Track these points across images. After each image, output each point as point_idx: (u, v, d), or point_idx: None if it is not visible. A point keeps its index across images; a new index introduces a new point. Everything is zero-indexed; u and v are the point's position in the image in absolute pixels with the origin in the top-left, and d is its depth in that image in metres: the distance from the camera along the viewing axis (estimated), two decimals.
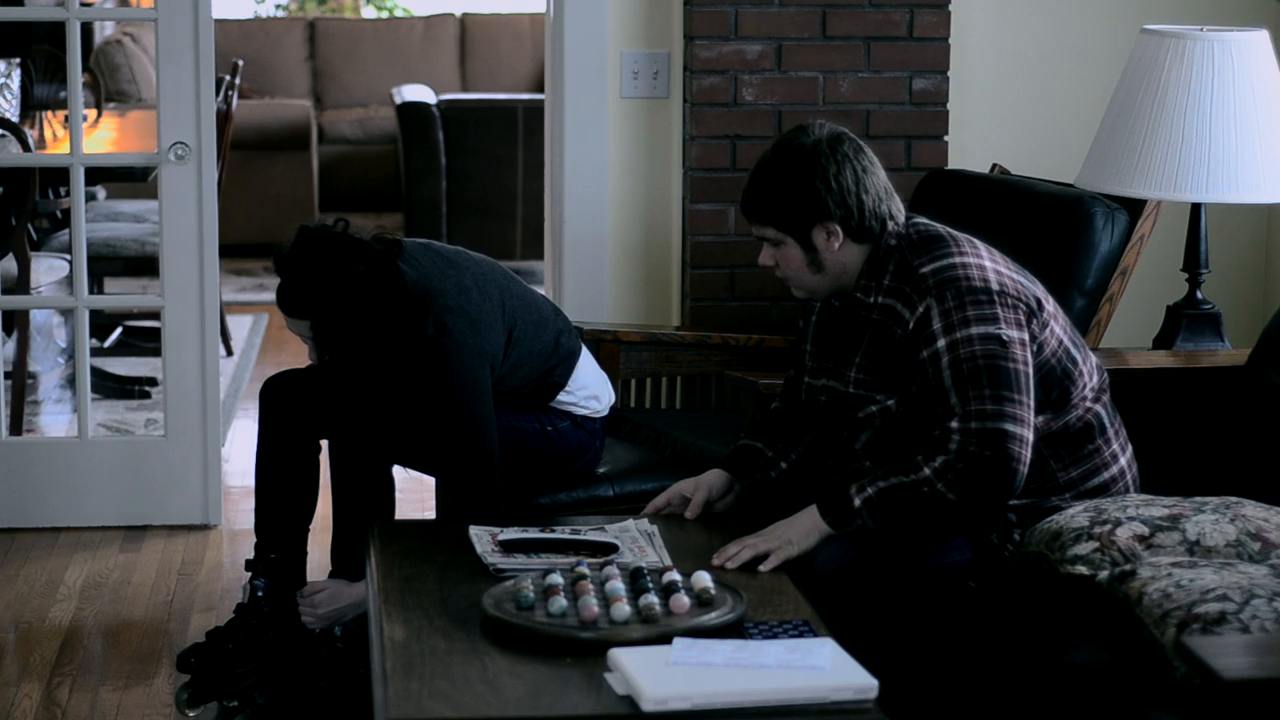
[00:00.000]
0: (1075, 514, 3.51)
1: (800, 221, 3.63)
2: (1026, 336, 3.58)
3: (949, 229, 3.71)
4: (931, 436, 3.54)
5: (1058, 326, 3.67)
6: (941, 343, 3.55)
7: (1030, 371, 3.56)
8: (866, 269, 3.67)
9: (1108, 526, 3.41)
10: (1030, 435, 3.52)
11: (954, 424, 3.51)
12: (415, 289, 4.01)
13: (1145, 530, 3.40)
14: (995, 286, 3.59)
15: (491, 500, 4.01)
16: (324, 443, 4.25)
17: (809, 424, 3.84)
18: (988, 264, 3.63)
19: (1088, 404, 3.69)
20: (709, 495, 3.82)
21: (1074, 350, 3.69)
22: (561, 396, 4.24)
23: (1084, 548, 3.39)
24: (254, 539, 4.29)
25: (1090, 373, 3.71)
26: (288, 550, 4.23)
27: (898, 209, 3.69)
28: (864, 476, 3.59)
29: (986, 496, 3.50)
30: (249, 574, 4.28)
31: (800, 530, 3.55)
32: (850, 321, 3.72)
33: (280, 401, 4.23)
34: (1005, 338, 3.54)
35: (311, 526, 4.28)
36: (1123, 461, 3.75)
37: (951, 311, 3.56)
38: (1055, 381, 3.65)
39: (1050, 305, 3.69)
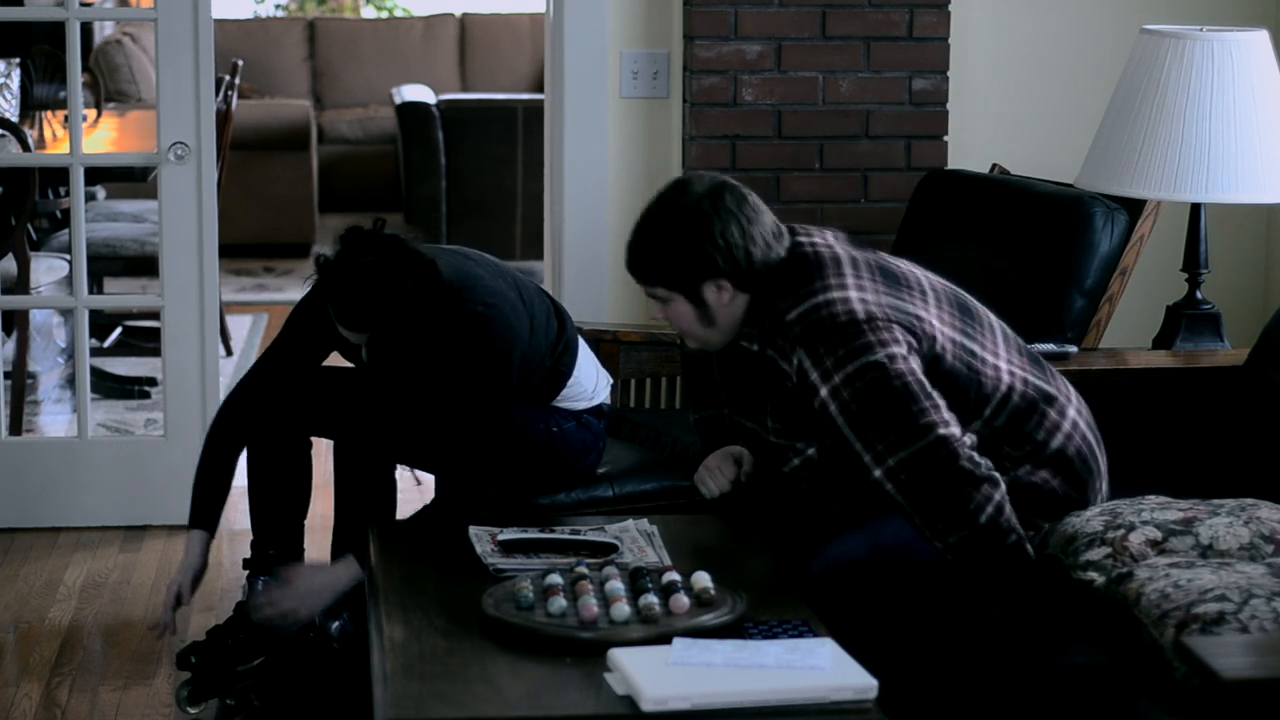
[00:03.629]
0: (1091, 518, 3.47)
1: (690, 280, 3.57)
2: (904, 349, 3.50)
3: (832, 251, 3.62)
4: (870, 481, 3.50)
5: (944, 330, 3.60)
6: (824, 392, 3.50)
7: (920, 376, 3.49)
8: (746, 316, 3.61)
9: (1121, 532, 3.39)
10: (949, 418, 3.46)
11: (877, 473, 3.47)
12: (451, 278, 3.99)
13: (1158, 535, 3.38)
14: (862, 315, 3.51)
15: (481, 488, 3.97)
16: (318, 440, 4.24)
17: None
18: (853, 294, 3.54)
19: (1007, 384, 3.62)
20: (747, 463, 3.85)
21: (968, 342, 3.62)
22: (565, 391, 4.23)
23: (1096, 553, 3.37)
24: (252, 539, 4.28)
25: (996, 352, 3.64)
26: (285, 546, 4.22)
27: (785, 247, 3.61)
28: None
29: (960, 498, 3.43)
30: (246, 572, 4.28)
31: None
32: (751, 369, 3.67)
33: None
34: (880, 360, 3.47)
35: (311, 525, 4.28)
36: (1070, 414, 3.67)
37: (822, 358, 3.50)
38: (967, 382, 3.59)
39: (930, 315, 3.59)
